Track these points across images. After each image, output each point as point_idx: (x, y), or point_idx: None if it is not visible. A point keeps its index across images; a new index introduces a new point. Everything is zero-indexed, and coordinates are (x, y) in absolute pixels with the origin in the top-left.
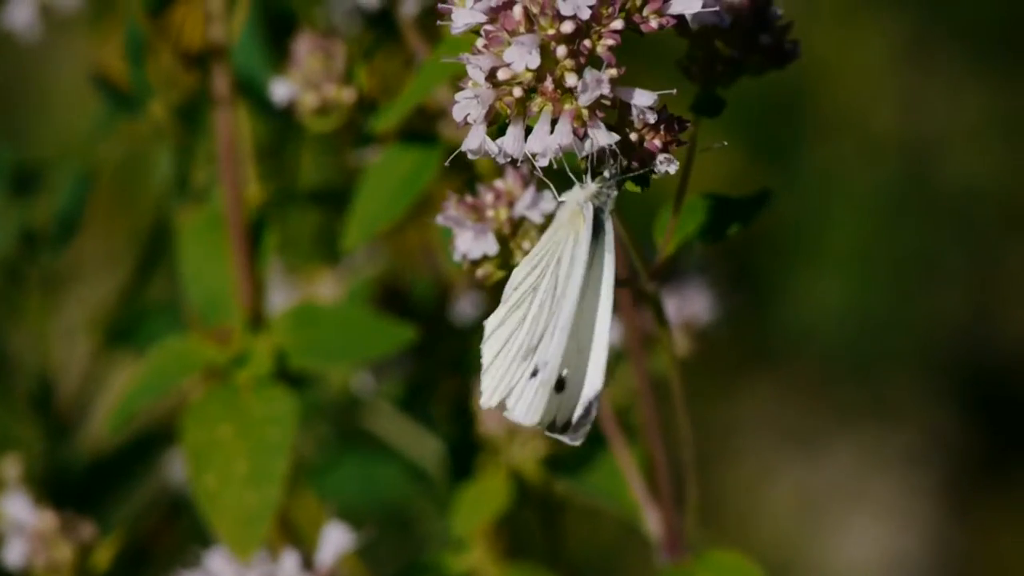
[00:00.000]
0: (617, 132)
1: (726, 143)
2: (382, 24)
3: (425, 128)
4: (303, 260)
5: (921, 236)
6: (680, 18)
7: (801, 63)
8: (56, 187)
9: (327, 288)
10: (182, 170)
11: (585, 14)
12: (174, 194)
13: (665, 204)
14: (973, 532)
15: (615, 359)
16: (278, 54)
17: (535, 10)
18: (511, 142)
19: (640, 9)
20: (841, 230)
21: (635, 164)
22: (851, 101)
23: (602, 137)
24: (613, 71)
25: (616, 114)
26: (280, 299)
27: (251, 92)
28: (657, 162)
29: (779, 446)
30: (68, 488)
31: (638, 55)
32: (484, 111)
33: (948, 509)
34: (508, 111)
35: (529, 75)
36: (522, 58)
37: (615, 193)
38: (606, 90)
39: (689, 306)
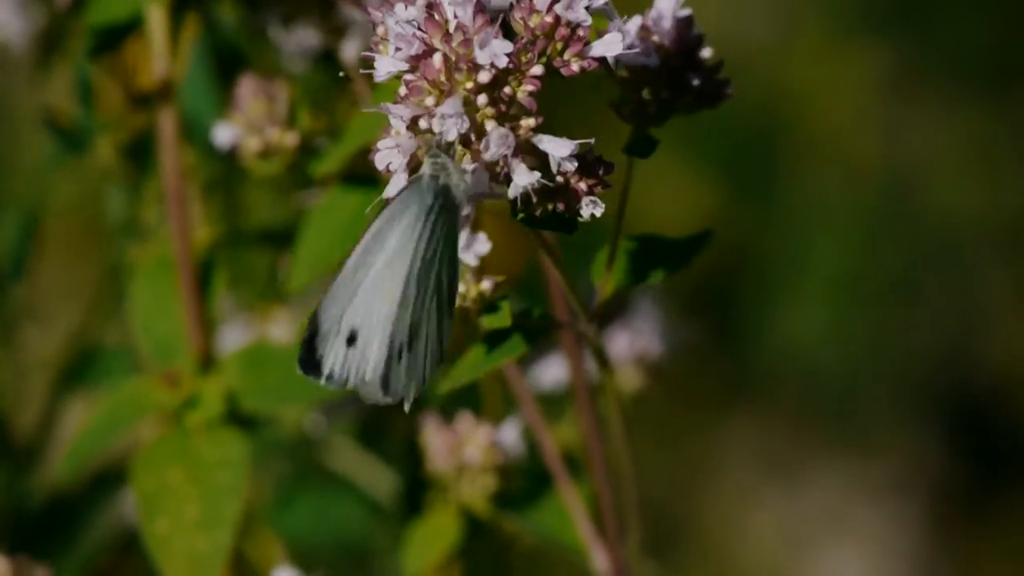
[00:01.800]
0: (541, 172)
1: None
2: (329, 65)
3: (368, 169)
4: (256, 299)
5: (903, 265)
6: (603, 60)
7: (782, 93)
8: (5, 227)
9: (280, 327)
10: (132, 209)
11: (502, 62)
12: (125, 233)
13: (603, 246)
14: (956, 561)
15: (563, 397)
16: (227, 94)
17: (454, 57)
18: None
19: (561, 53)
20: (823, 259)
21: (560, 209)
22: (833, 130)
23: (522, 178)
24: (531, 120)
25: (537, 160)
26: (233, 339)
27: (199, 132)
28: (582, 205)
29: (761, 475)
30: (23, 528)
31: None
32: (405, 160)
33: (931, 538)
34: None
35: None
36: (452, 130)
37: (448, 160)
38: (510, 149)
39: (641, 340)
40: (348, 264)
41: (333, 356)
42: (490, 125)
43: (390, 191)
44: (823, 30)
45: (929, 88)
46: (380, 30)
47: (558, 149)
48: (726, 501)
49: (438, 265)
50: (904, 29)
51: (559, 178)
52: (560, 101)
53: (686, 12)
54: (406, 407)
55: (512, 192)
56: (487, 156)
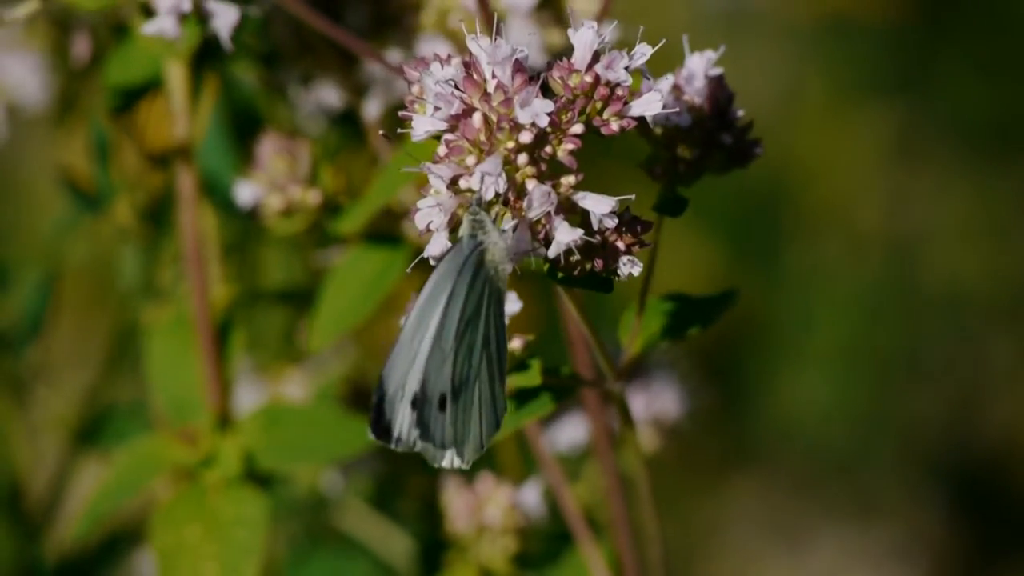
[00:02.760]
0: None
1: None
2: (347, 124)
3: (390, 228)
4: (271, 359)
5: (904, 334)
6: (641, 119)
7: (786, 160)
8: (21, 287)
9: (295, 387)
10: (148, 270)
11: (543, 121)
12: (141, 294)
13: (629, 304)
14: None
15: (580, 456)
16: (244, 153)
17: (494, 117)
18: None
19: (600, 112)
20: (825, 327)
21: (598, 267)
22: (836, 199)
23: (564, 235)
24: (571, 178)
25: (576, 218)
26: (248, 398)
27: (216, 191)
28: (620, 265)
29: (764, 542)
30: None
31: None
32: (446, 219)
33: None
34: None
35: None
36: (490, 187)
37: (486, 217)
38: (554, 206)
39: (658, 402)
40: (406, 329)
41: (400, 419)
42: (531, 184)
43: (432, 250)
44: (827, 96)
45: (932, 154)
46: (415, 89)
47: (599, 206)
48: (729, 565)
49: (484, 324)
50: (907, 94)
51: (598, 236)
52: (587, 160)
53: (717, 71)
54: (463, 464)
55: (554, 250)
56: (530, 214)
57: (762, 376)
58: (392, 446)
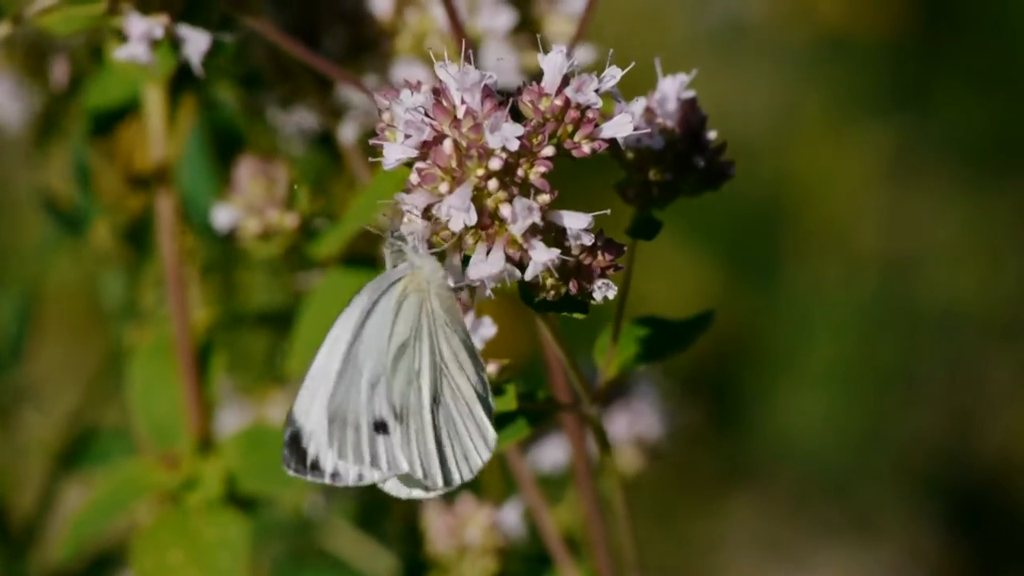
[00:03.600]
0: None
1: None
2: (325, 146)
3: (368, 250)
4: (253, 381)
5: (901, 352)
6: (613, 142)
7: (783, 179)
8: (2, 309)
9: (277, 409)
10: (130, 292)
11: (513, 145)
12: (123, 316)
13: (605, 327)
14: None
15: (562, 478)
16: (224, 175)
17: (464, 143)
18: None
19: (572, 135)
20: (822, 346)
21: (573, 290)
22: (833, 217)
23: (541, 255)
24: (546, 196)
25: (552, 239)
26: (231, 421)
27: (197, 214)
28: (595, 288)
29: (761, 560)
30: None
31: (578, 175)
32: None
33: None
34: (443, 244)
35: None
36: (459, 219)
37: (406, 244)
38: (537, 217)
39: (640, 422)
40: (317, 362)
41: (333, 458)
42: (504, 208)
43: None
44: (824, 115)
45: (929, 172)
46: (386, 116)
47: (575, 222)
48: None
49: (430, 351)
50: (904, 113)
51: (575, 255)
52: (558, 184)
53: (690, 94)
54: (440, 488)
55: (531, 271)
56: (515, 229)
57: (759, 394)
58: (327, 481)
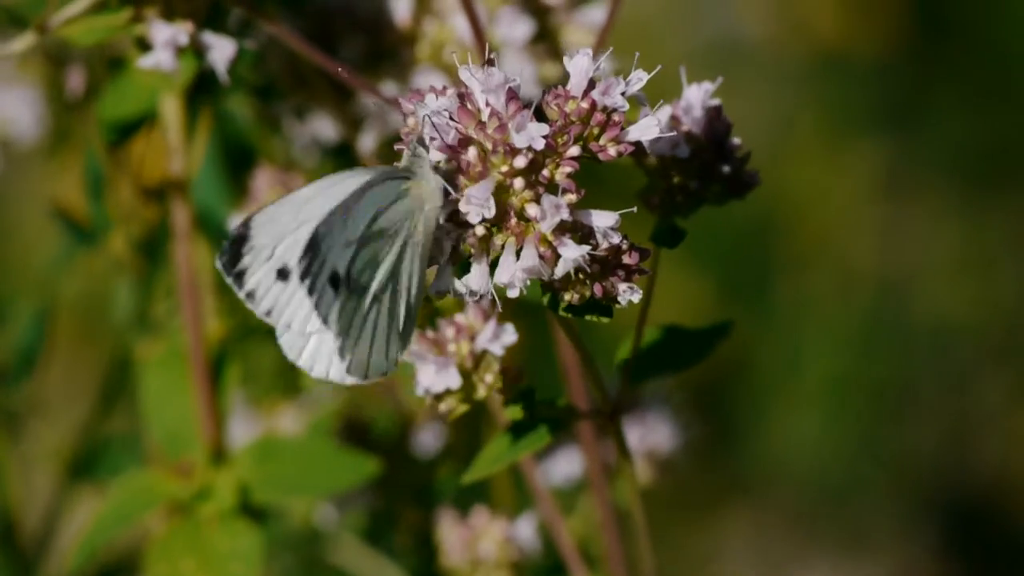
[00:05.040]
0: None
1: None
2: (342, 157)
3: None
4: (265, 393)
5: (896, 368)
6: (638, 146)
7: (777, 195)
8: (16, 321)
9: (289, 421)
10: (142, 303)
11: (539, 144)
12: (135, 327)
13: (624, 335)
14: None
15: (573, 489)
16: (238, 187)
17: (489, 145)
18: (477, 279)
19: (597, 137)
20: (817, 361)
21: (598, 294)
22: (827, 233)
23: (572, 251)
24: (572, 196)
25: (578, 238)
26: (242, 432)
27: (211, 225)
28: (620, 292)
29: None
30: None
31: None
32: (450, 250)
33: None
34: (472, 250)
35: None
36: (477, 213)
37: (426, 155)
38: (566, 214)
39: (652, 435)
40: (302, 191)
41: (258, 276)
42: (531, 208)
43: (436, 285)
44: (818, 131)
45: (922, 189)
46: (410, 122)
47: (602, 220)
48: None
49: (398, 256)
50: (898, 130)
51: (603, 254)
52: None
53: (715, 102)
54: (340, 376)
55: (562, 267)
56: (544, 227)
57: (753, 410)
58: (241, 296)
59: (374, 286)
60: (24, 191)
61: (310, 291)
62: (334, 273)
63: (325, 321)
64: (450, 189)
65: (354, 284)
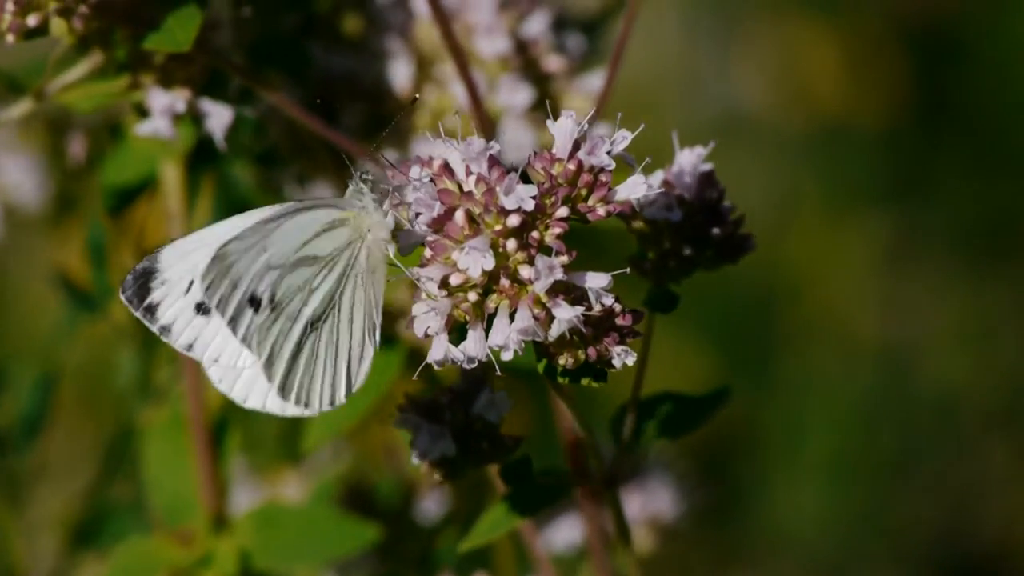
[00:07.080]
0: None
1: None
2: None
3: (385, 328)
4: (267, 460)
5: (899, 438)
6: (628, 209)
7: (779, 266)
8: (19, 388)
9: (291, 487)
10: (144, 370)
11: (529, 205)
12: (137, 394)
13: (621, 403)
14: None
15: (574, 556)
16: None
17: (478, 210)
18: (473, 345)
19: (586, 198)
20: (819, 433)
21: (592, 358)
22: (830, 305)
23: (566, 312)
24: (564, 257)
25: (572, 300)
26: (244, 499)
27: None
28: (614, 354)
29: None
30: None
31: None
32: (443, 322)
33: None
34: (466, 316)
35: (483, 277)
36: (477, 263)
37: (367, 190)
38: (560, 275)
39: (654, 503)
40: (216, 226)
41: (174, 310)
42: (524, 269)
43: (434, 355)
44: (821, 202)
45: (924, 260)
46: (408, 197)
47: (595, 280)
48: None
49: (339, 281)
50: (899, 200)
51: (597, 314)
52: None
53: (707, 166)
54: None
55: (556, 329)
56: (538, 287)
57: (756, 481)
58: (155, 330)
59: (307, 312)
60: (27, 258)
61: (220, 310)
62: (253, 296)
63: (246, 343)
64: (403, 222)
65: (278, 308)
